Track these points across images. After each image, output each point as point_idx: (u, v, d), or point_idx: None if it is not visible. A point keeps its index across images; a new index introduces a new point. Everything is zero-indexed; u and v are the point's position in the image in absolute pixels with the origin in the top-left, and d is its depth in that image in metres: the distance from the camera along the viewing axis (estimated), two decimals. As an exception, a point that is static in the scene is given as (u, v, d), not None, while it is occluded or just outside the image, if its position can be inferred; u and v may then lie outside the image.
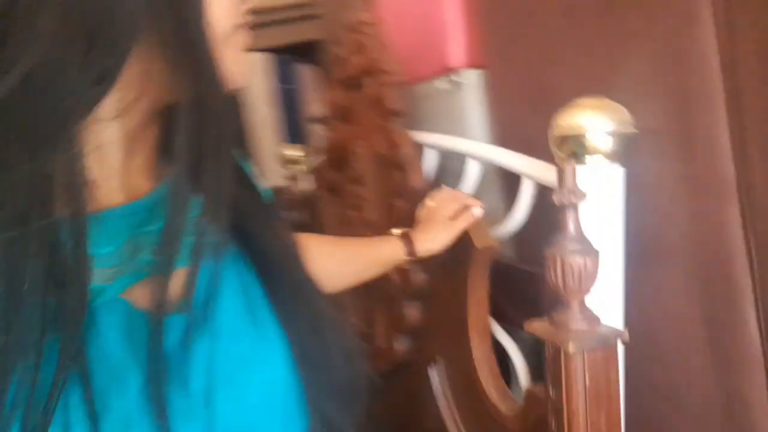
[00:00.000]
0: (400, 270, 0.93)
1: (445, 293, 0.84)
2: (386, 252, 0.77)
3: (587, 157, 0.60)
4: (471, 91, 0.97)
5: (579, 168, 0.54)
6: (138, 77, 0.35)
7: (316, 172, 1.30)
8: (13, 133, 0.29)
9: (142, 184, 0.40)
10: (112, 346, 0.35)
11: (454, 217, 0.76)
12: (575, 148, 0.61)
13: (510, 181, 0.86)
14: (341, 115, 1.14)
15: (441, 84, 1.02)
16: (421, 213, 0.82)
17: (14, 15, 0.29)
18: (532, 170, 0.75)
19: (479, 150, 0.87)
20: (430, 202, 0.82)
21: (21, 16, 0.29)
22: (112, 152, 0.37)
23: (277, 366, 0.40)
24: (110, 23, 0.31)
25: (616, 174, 0.61)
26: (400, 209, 0.93)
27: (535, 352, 0.82)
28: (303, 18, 1.80)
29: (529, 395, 0.61)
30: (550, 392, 0.53)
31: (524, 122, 0.87)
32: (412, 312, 0.93)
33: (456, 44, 0.99)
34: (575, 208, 0.51)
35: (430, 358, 0.87)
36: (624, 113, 0.60)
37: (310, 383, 0.41)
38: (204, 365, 0.36)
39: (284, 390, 0.40)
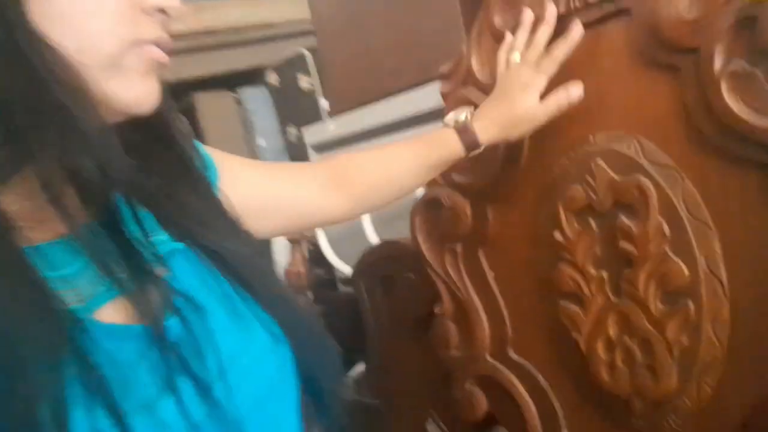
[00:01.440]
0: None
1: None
2: (444, 154, 0.62)
3: None
4: None
5: None
6: None
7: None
8: None
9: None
10: (110, 356, 0.35)
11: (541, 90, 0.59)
12: None
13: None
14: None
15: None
16: (500, 72, 0.62)
17: None
18: None
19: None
20: (513, 55, 0.61)
21: None
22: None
23: (265, 350, 0.43)
24: None
25: None
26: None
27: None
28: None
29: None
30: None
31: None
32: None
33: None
34: None
35: None
36: None
37: (300, 356, 0.45)
38: (212, 355, 0.39)
39: (274, 366, 0.43)
